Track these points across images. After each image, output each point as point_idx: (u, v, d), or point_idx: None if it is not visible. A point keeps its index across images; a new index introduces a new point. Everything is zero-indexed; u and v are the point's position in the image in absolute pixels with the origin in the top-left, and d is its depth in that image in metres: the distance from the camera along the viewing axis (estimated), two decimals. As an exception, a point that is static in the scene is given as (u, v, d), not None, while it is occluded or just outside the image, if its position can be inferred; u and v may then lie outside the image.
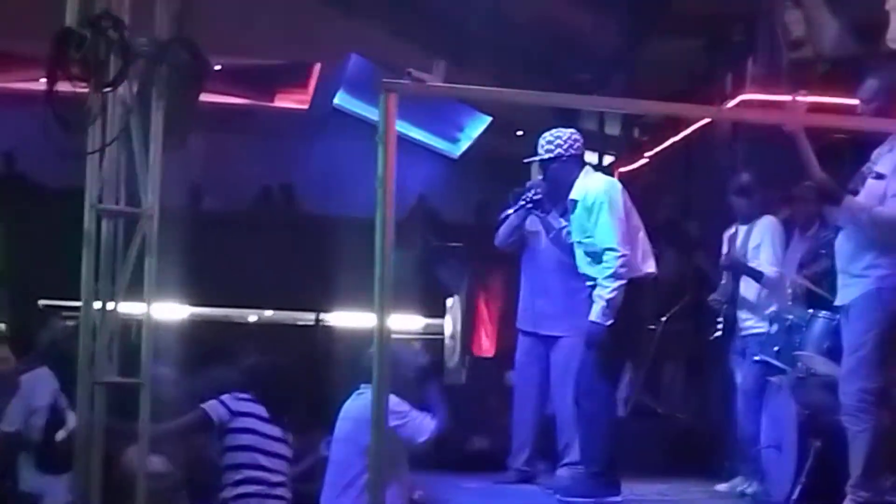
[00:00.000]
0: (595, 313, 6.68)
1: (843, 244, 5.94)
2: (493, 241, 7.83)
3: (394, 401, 5.59)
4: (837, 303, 6.06)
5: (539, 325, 7.57)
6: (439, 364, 10.96)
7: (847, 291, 5.90)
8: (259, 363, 6.62)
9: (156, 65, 5.39)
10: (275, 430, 6.24)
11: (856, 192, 5.87)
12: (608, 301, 6.63)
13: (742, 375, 7.63)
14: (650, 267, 6.90)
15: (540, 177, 7.44)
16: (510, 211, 7.56)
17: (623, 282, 6.64)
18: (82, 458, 5.58)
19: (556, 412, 7.51)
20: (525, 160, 7.28)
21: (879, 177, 5.79)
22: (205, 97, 5.74)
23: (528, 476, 7.55)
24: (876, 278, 5.75)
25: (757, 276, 7.57)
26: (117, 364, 5.72)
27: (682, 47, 10.91)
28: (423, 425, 5.99)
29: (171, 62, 5.34)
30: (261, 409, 6.24)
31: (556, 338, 7.41)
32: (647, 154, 11.01)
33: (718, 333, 7.84)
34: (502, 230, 7.70)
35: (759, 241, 7.60)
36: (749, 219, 7.70)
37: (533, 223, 7.57)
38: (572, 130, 7.10)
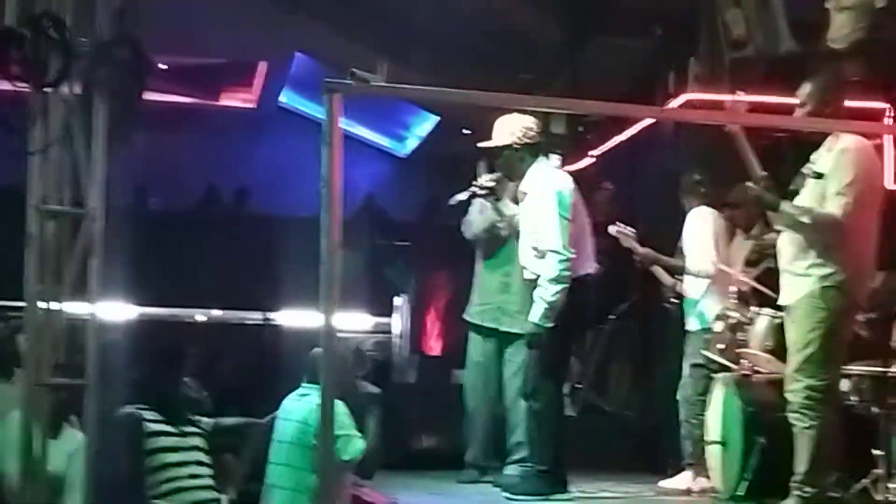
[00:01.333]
0: (535, 314, 6.67)
1: (785, 244, 6.00)
2: (462, 232, 7.76)
3: (341, 410, 5.59)
4: (781, 302, 6.12)
5: (500, 321, 7.55)
6: (388, 363, 10.97)
7: (790, 291, 5.96)
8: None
9: (98, 64, 5.34)
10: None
11: (797, 193, 5.93)
12: (549, 303, 6.62)
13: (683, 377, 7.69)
14: (591, 267, 6.90)
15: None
16: (460, 197, 7.55)
17: (565, 285, 6.62)
18: (24, 461, 5.52)
19: (507, 409, 7.52)
20: (478, 144, 7.18)
21: (819, 176, 5.86)
22: (149, 96, 5.69)
23: (486, 470, 7.57)
24: (819, 277, 5.81)
25: (676, 268, 7.66)
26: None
27: (626, 46, 10.95)
28: (352, 444, 5.83)
29: (113, 61, 5.29)
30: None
31: (515, 335, 7.37)
32: (592, 153, 11.05)
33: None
34: (470, 220, 7.65)
35: (690, 234, 7.68)
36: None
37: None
38: (528, 117, 6.96)
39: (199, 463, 6.15)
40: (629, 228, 7.77)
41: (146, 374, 6.34)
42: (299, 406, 5.98)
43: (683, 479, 7.64)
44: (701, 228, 7.63)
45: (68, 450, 5.78)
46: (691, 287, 7.67)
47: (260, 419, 6.42)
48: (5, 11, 5.29)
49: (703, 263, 7.51)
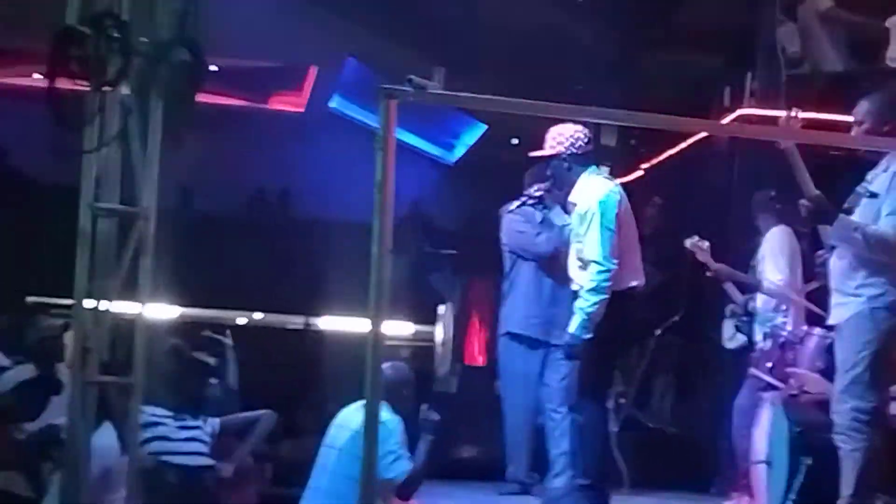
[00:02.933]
0: (574, 326, 6.62)
1: (835, 263, 5.94)
2: (538, 250, 7.70)
3: (396, 428, 5.62)
4: (830, 322, 6.05)
5: (550, 333, 7.50)
6: (429, 372, 10.95)
7: (840, 311, 5.89)
8: None
9: (156, 64, 5.35)
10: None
11: (851, 211, 5.87)
12: (588, 314, 6.56)
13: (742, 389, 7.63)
14: (636, 280, 6.83)
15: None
16: (513, 206, 7.55)
17: (605, 297, 6.55)
18: (71, 458, 5.53)
19: (550, 420, 7.48)
20: (529, 154, 7.15)
21: (873, 196, 5.80)
22: (200, 97, 5.70)
23: (528, 487, 7.54)
24: (868, 298, 5.74)
25: (750, 285, 7.58)
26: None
27: (682, 61, 10.91)
28: (398, 464, 5.88)
29: (172, 62, 5.31)
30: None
31: (550, 344, 7.32)
32: (643, 166, 11.00)
33: (738, 343, 7.83)
34: (542, 237, 7.61)
35: (764, 253, 7.60)
36: (766, 231, 7.69)
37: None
38: (579, 127, 6.90)
39: (194, 440, 6.55)
40: (705, 242, 7.71)
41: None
42: (358, 417, 5.95)
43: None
44: (779, 247, 7.54)
45: (106, 444, 5.86)
46: (766, 305, 7.59)
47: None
48: (66, 10, 5.31)
49: (778, 282, 7.44)
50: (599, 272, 6.56)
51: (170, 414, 6.55)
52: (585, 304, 6.58)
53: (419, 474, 6.00)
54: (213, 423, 6.76)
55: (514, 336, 7.71)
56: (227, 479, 6.65)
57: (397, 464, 5.87)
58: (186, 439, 6.56)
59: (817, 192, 5.98)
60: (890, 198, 5.75)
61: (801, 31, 9.43)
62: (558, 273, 7.43)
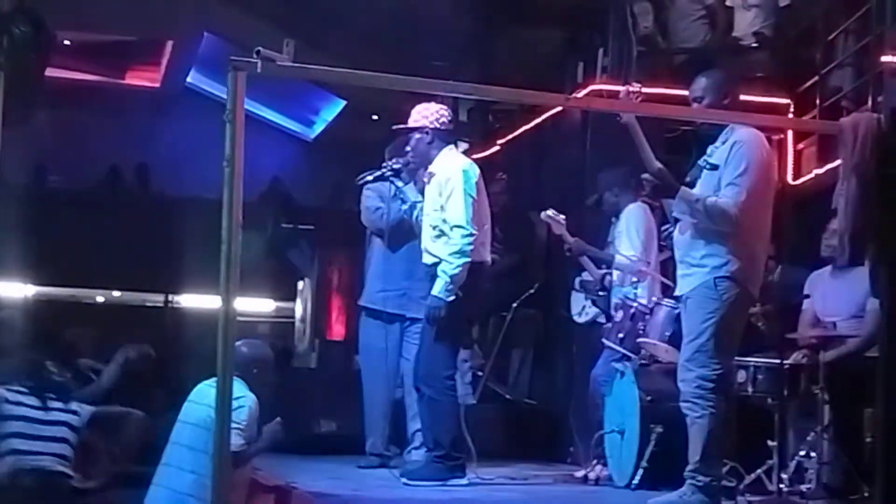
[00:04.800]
0: (438, 288, 6.72)
1: (679, 235, 6.05)
2: (362, 222, 7.79)
3: (245, 404, 5.61)
4: (677, 293, 6.17)
5: (406, 307, 7.53)
6: (289, 347, 10.92)
7: (685, 281, 6.00)
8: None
9: (-5, 37, 5.23)
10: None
11: (693, 184, 5.99)
12: (452, 277, 6.68)
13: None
14: (486, 256, 6.97)
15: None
16: (368, 177, 7.57)
17: (468, 260, 6.69)
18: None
19: (407, 396, 7.51)
20: (394, 127, 7.23)
21: (714, 167, 5.92)
22: (53, 72, 5.59)
23: (386, 460, 7.56)
24: (712, 268, 5.84)
25: (606, 260, 7.68)
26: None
27: (537, 37, 10.99)
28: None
29: (12, 33, 5.18)
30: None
31: (419, 320, 7.36)
32: (499, 141, 11.08)
33: (589, 317, 7.93)
34: (372, 212, 7.66)
35: (621, 230, 7.70)
36: (618, 210, 7.78)
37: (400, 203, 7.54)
38: (441, 106, 7.11)
39: (57, 439, 6.51)
40: (560, 215, 7.78)
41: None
42: (212, 392, 5.90)
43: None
44: (635, 224, 7.62)
45: None
46: (621, 279, 7.69)
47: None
48: None
49: (631, 258, 7.53)
50: (463, 236, 6.69)
51: (34, 401, 6.50)
52: (449, 267, 6.69)
53: (252, 451, 6.04)
54: (87, 411, 6.71)
55: (369, 311, 7.73)
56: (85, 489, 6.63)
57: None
58: (52, 426, 6.52)
59: (659, 165, 6.08)
60: (728, 169, 5.85)
61: (654, 8, 9.55)
62: (405, 247, 7.48)
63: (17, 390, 6.53)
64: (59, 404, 6.62)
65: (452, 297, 6.69)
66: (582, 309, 8.06)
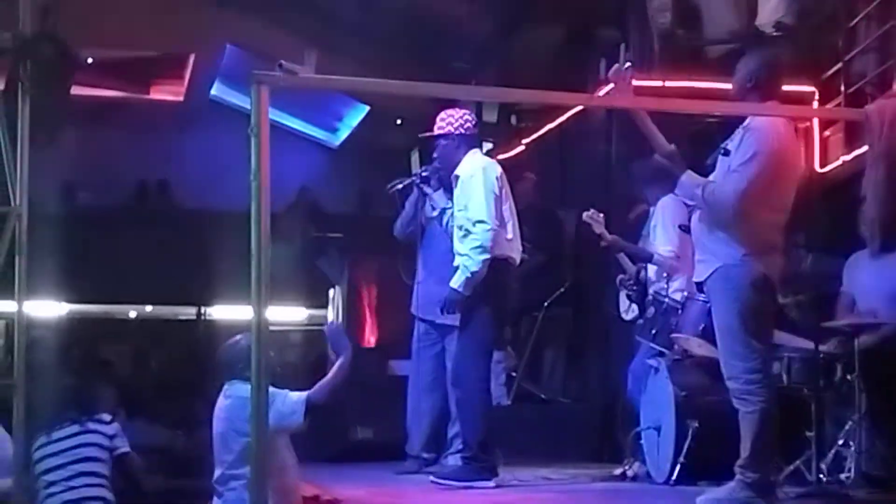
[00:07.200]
0: (457, 281, 6.79)
1: (695, 221, 6.02)
2: (392, 232, 7.80)
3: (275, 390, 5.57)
4: (695, 279, 6.13)
5: (437, 313, 7.53)
6: (323, 356, 10.93)
7: (701, 267, 5.94)
8: None
9: (21, 60, 5.26)
10: None
11: (712, 169, 5.94)
12: (472, 272, 6.74)
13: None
14: (515, 253, 7.01)
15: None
16: (399, 185, 7.61)
17: (488, 256, 6.73)
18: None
19: (450, 401, 7.50)
20: (420, 135, 7.32)
21: (727, 153, 5.87)
22: (77, 91, 5.63)
23: (424, 465, 7.57)
24: (723, 255, 5.80)
25: (643, 256, 7.66)
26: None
27: (556, 35, 10.98)
28: (288, 403, 5.65)
29: (37, 57, 5.22)
30: None
31: (452, 327, 7.37)
32: (524, 141, 11.07)
33: (636, 314, 7.90)
34: (399, 220, 7.69)
35: (655, 223, 7.68)
36: (655, 202, 7.76)
37: (430, 209, 7.55)
38: (466, 111, 7.24)
39: (90, 459, 6.27)
40: (600, 214, 7.78)
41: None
42: (224, 405, 5.87)
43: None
44: (670, 217, 7.58)
45: None
46: (657, 275, 7.65)
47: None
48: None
49: (667, 253, 7.50)
50: (485, 230, 6.76)
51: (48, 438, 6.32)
52: (469, 262, 6.77)
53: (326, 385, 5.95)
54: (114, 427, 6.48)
55: (416, 318, 7.74)
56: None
57: (287, 403, 5.69)
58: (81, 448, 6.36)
59: (671, 147, 5.97)
60: (737, 156, 5.79)
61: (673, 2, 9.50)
62: (443, 253, 7.47)
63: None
64: (92, 425, 6.37)
65: (468, 293, 6.74)
66: (628, 307, 8.02)
